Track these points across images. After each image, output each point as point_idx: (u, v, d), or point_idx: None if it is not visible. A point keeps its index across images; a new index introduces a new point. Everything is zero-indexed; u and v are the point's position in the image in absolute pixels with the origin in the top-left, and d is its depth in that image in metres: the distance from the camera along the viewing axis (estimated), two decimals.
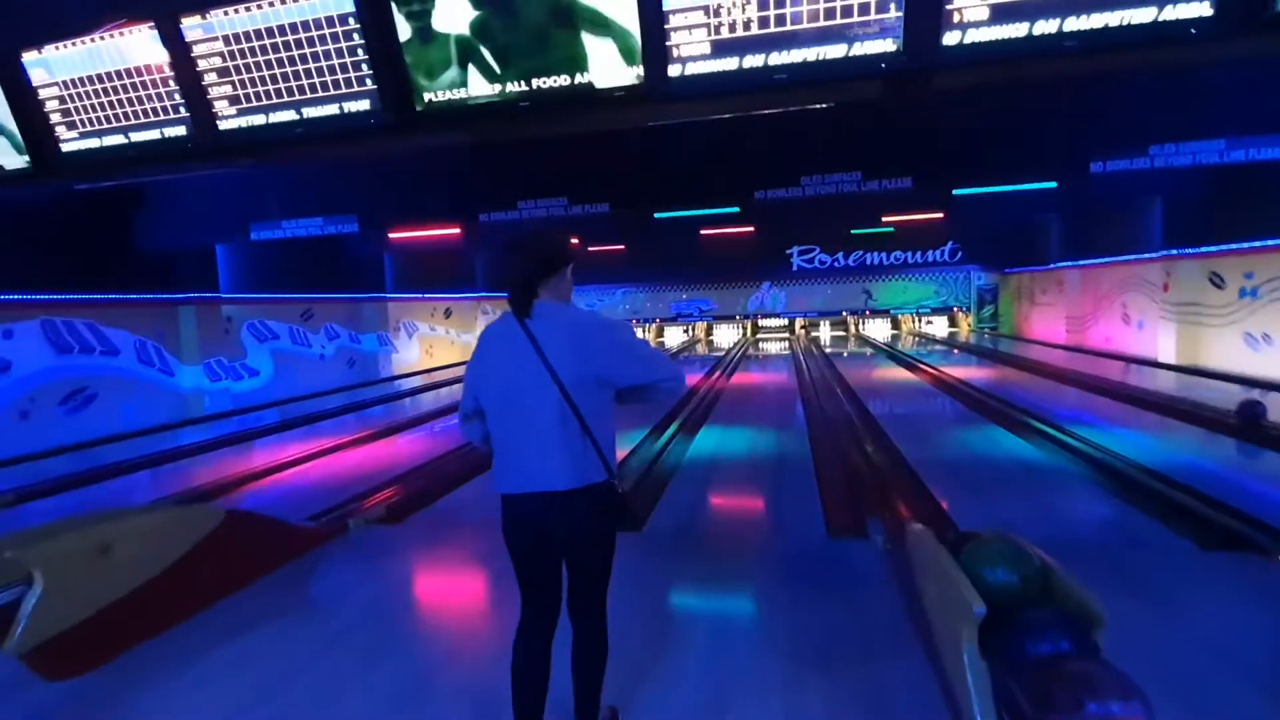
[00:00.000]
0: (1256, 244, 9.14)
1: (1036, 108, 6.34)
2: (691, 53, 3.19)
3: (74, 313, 8.83)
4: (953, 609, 1.84)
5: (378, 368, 14.78)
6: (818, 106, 3.50)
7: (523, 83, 3.39)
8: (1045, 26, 2.87)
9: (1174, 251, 10.98)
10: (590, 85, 3.31)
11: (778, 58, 3.12)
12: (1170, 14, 2.69)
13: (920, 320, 21.06)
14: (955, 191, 7.61)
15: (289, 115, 3.65)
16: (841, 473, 5.53)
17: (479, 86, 3.44)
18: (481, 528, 4.36)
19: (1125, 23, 2.78)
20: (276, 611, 3.13)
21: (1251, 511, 4.09)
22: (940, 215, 13.40)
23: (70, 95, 3.95)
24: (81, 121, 4.00)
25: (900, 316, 21.11)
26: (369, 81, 3.51)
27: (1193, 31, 2.68)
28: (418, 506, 5.05)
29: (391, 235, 10.57)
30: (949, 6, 2.90)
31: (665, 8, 3.21)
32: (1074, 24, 2.85)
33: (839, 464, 5.81)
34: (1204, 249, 10.25)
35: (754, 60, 3.16)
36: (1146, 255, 11.76)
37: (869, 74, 3.06)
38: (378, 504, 4.88)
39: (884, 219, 14.39)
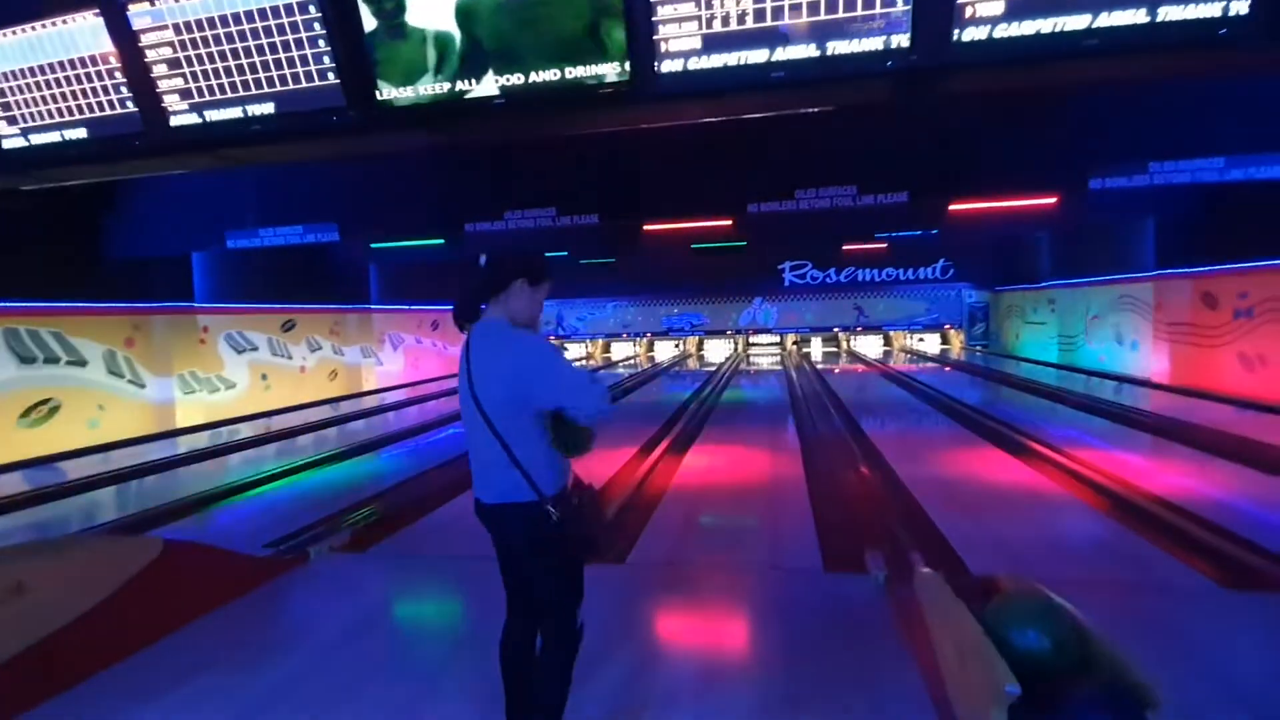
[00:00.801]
0: (1250, 265, 9.05)
1: (1039, 119, 6.19)
2: (681, 48, 2.94)
3: (39, 321, 8.47)
4: (978, 683, 1.58)
5: (361, 380, 14.44)
6: (817, 111, 3.27)
7: (497, 78, 3.15)
8: (1067, 23, 2.66)
9: (1167, 271, 10.91)
10: (571, 82, 3.06)
11: (776, 54, 2.89)
12: (1203, 12, 2.49)
13: (912, 337, 20.98)
14: (951, 208, 7.44)
15: (243, 111, 3.38)
16: (837, 499, 5.28)
17: (448, 83, 3.18)
18: (454, 557, 4.09)
19: (1156, 20, 2.58)
20: (221, 655, 2.82)
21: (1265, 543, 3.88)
22: (934, 231, 13.30)
23: (9, 89, 3.67)
24: (21, 116, 3.72)
25: (892, 333, 21.02)
26: (331, 75, 3.26)
27: (1223, 33, 2.49)
28: (388, 532, 4.75)
29: (374, 245, 10.29)
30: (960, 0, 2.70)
31: None
32: (1100, 20, 2.64)
33: (834, 489, 5.57)
34: (1198, 269, 10.18)
35: (750, 56, 2.91)
36: (1137, 275, 11.70)
37: (875, 73, 2.83)
38: (343, 530, 4.56)
39: (877, 235, 14.28)
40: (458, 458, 7.34)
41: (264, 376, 12.00)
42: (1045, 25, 2.68)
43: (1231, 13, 2.46)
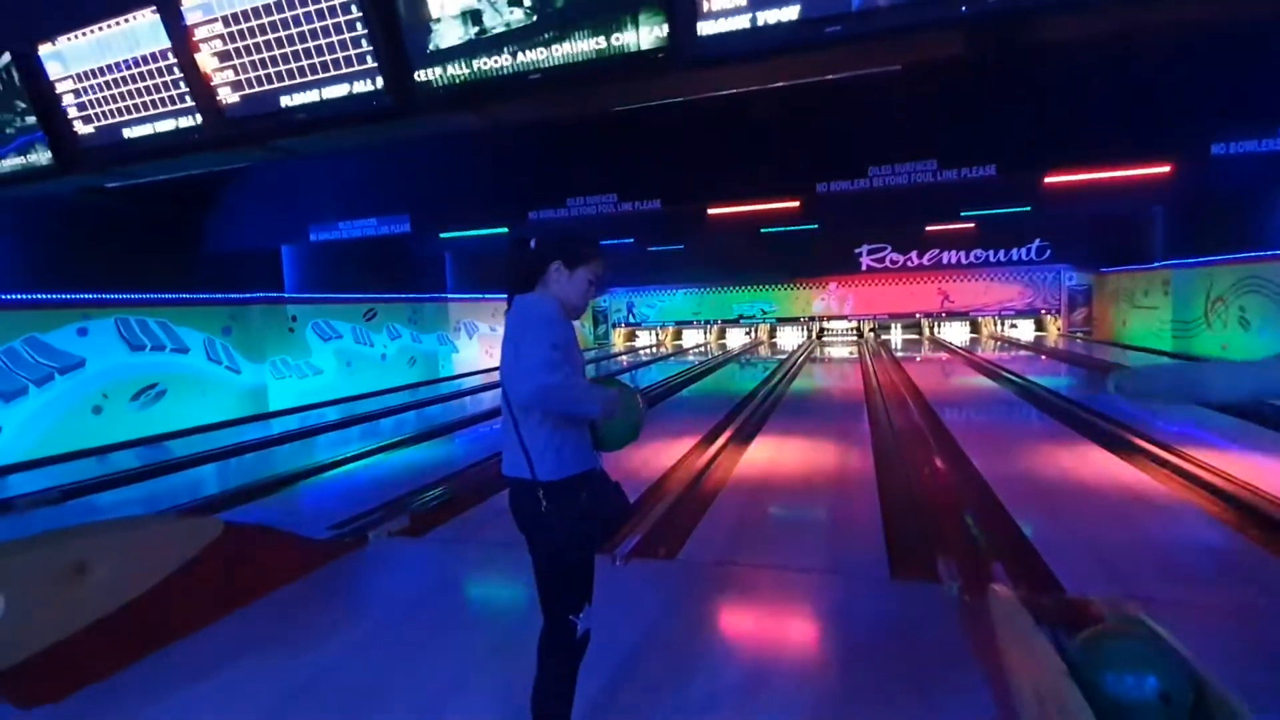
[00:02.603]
0: None
1: (1148, 73, 5.46)
2: (722, 5, 2.71)
3: (147, 311, 9.18)
4: None
5: (438, 367, 14.93)
6: (882, 70, 2.94)
7: (530, 52, 3.02)
8: None
9: None
10: (606, 51, 2.89)
11: (830, 5, 2.58)
12: None
13: (1003, 323, 19.61)
14: (1047, 180, 6.76)
15: (289, 100, 3.43)
16: (909, 500, 4.91)
17: (483, 60, 3.09)
18: (508, 543, 4.07)
19: None
20: (277, 634, 2.90)
21: None
22: (1027, 209, 12.27)
23: (84, 89, 3.91)
24: (96, 115, 3.95)
25: (980, 319, 19.72)
26: (370, 60, 3.24)
27: None
28: (448, 516, 4.80)
29: (443, 235, 10.53)
30: None
31: None
32: None
33: (907, 488, 5.19)
34: None
35: (798, 10, 2.64)
36: (1268, 253, 10.38)
37: (947, 22, 2.48)
38: (403, 514, 4.64)
39: (962, 214, 13.34)
40: None
41: (349, 363, 12.60)
42: None
43: None
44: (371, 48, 3.21)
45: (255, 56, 3.42)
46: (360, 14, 3.12)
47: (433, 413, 10.37)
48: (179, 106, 3.71)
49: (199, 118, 3.68)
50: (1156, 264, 14.14)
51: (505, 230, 8.84)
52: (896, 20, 2.50)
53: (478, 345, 16.33)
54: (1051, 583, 3.33)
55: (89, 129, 4.05)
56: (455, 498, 5.24)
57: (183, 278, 9.69)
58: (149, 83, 3.72)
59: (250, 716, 2.33)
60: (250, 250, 10.27)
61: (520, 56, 3.05)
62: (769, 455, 6.49)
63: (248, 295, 10.68)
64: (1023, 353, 15.49)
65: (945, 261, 18.64)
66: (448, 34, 3.13)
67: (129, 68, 3.73)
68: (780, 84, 3.02)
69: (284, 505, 5.63)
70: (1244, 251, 11.16)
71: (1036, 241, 17.77)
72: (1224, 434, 6.56)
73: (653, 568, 3.59)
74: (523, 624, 2.85)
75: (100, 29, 3.66)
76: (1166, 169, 6.70)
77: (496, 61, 3.10)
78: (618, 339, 22.51)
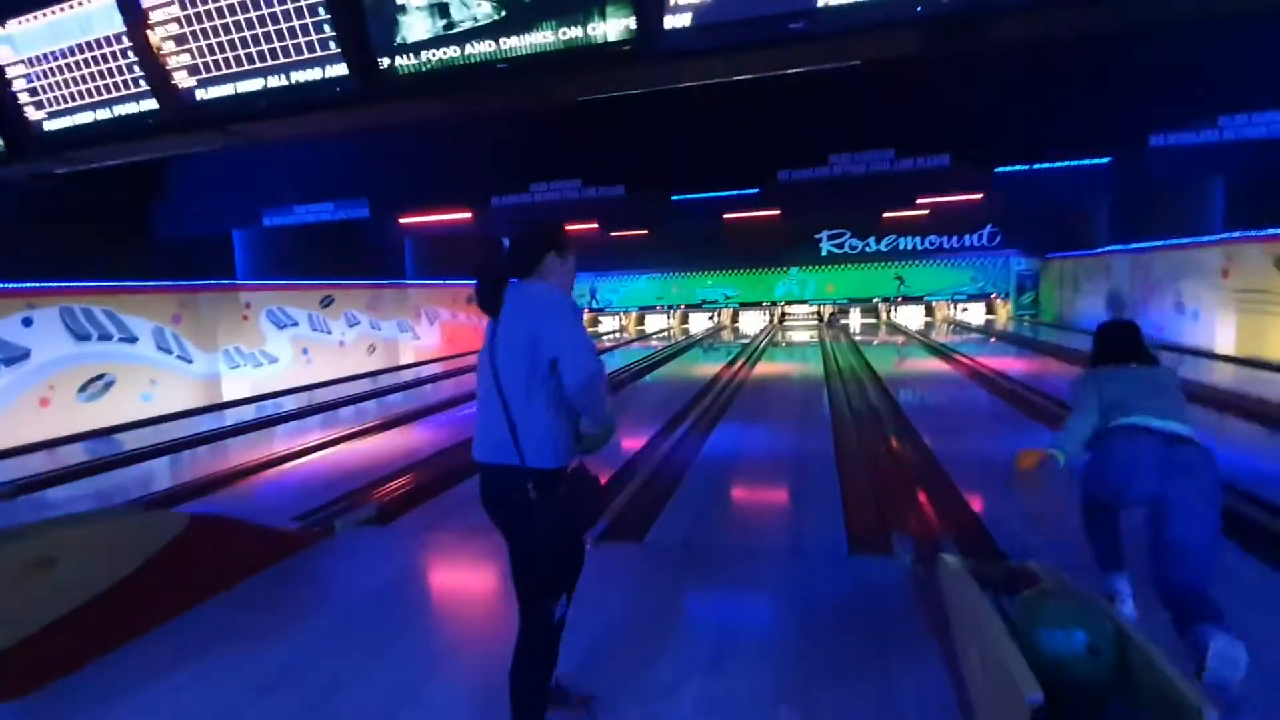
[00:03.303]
0: None
1: (1092, 71, 5.73)
2: (689, 0, 2.76)
3: (93, 299, 8.81)
4: (999, 689, 1.46)
5: (399, 354, 14.70)
6: (848, 68, 3.04)
7: (498, 42, 3.02)
8: None
9: (1235, 234, 10.19)
10: (573, 42, 2.92)
11: (793, 3, 2.66)
12: None
13: (956, 307, 20.26)
14: (998, 170, 7.03)
15: (249, 85, 3.35)
16: (867, 478, 5.11)
17: (450, 49, 3.08)
18: (478, 530, 4.11)
19: None
20: (245, 625, 2.89)
21: None
22: (979, 196, 12.67)
23: (35, 74, 3.73)
24: (48, 100, 3.78)
25: (934, 303, 20.33)
26: (333, 45, 3.19)
27: None
28: (414, 505, 4.80)
29: (404, 220, 10.34)
30: None
31: None
32: None
33: (864, 468, 5.39)
34: (1271, 231, 9.46)
35: (763, 6, 2.72)
36: (1203, 240, 10.96)
37: (903, 21, 2.60)
38: (369, 503, 4.63)
39: (919, 201, 13.68)
40: None
41: (305, 351, 12.31)
42: None
43: None
44: (335, 33, 3.15)
45: (213, 40, 3.31)
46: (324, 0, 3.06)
47: (393, 400, 10.25)
48: (135, 91, 3.57)
49: (155, 102, 3.55)
50: (1098, 250, 14.78)
51: (469, 216, 8.74)
52: (855, 18, 2.61)
53: (439, 332, 16.11)
54: (996, 553, 3.56)
55: (41, 114, 3.86)
56: (421, 486, 5.24)
57: (134, 265, 9.31)
58: (103, 67, 3.57)
59: (218, 709, 2.33)
60: (202, 236, 9.92)
61: (488, 46, 3.04)
62: (733, 439, 6.64)
63: (198, 282, 10.32)
64: (974, 335, 16.05)
65: (902, 247, 19.12)
66: (415, 26, 3.10)
67: (83, 51, 3.57)
68: (744, 77, 3.10)
69: (243, 499, 5.54)
70: (1179, 238, 11.76)
71: (988, 227, 18.35)
72: None
73: (622, 551, 3.68)
74: (491, 610, 2.93)
75: (53, 12, 3.48)
76: (1107, 160, 7.03)
77: (465, 50, 3.09)
78: None
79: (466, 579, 3.58)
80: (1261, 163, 9.10)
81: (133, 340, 9.39)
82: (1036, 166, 7.20)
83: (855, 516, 4.21)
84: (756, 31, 2.71)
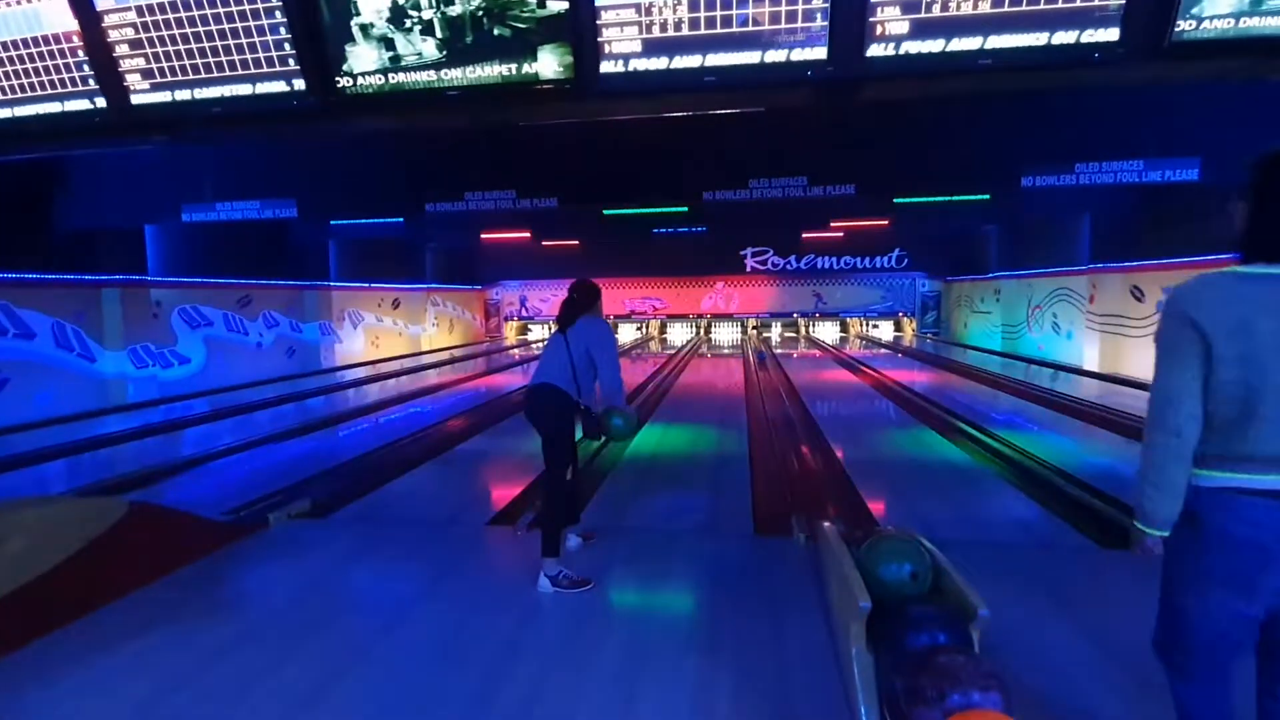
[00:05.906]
0: (1175, 260, 9.70)
1: (969, 122, 6.58)
2: (622, 50, 3.18)
3: None
4: (846, 604, 1.89)
5: (319, 358, 14.35)
6: (753, 110, 3.54)
7: (450, 73, 3.32)
8: (963, 44, 2.97)
9: (1099, 265, 11.58)
10: (518, 78, 3.26)
11: (708, 60, 3.15)
12: (1077, 38, 2.83)
13: (867, 324, 21.65)
14: (896, 200, 7.82)
15: (206, 93, 3.46)
16: (775, 473, 5.65)
17: (404, 74, 3.35)
18: (410, 523, 4.30)
19: (1035, 44, 2.91)
20: (180, 610, 2.99)
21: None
22: (886, 222, 13.76)
23: None
24: None
25: (848, 320, 21.65)
26: (292, 62, 3.37)
27: (1097, 56, 2.82)
28: (346, 501, 4.92)
29: (334, 223, 10.24)
30: (872, 19, 2.98)
31: (597, 3, 3.18)
32: (990, 43, 2.96)
33: (774, 464, 5.93)
34: (1127, 264, 10.85)
35: (685, 61, 3.17)
36: (1073, 269, 12.38)
37: (798, 81, 3.11)
38: (303, 498, 4.72)
39: (833, 224, 14.71)
40: (411, 435, 7.51)
41: (219, 352, 11.88)
42: (945, 45, 2.99)
43: (1100, 39, 2.80)
44: (295, 51, 3.33)
45: (170, 48, 3.40)
46: (284, 19, 3.23)
47: (314, 404, 10.10)
48: (83, 89, 3.58)
49: (103, 101, 3.57)
50: (990, 275, 16.28)
51: (401, 220, 8.80)
52: (758, 77, 3.11)
53: (363, 336, 15.82)
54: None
55: None
56: (351, 490, 5.35)
57: (31, 257, 8.80)
58: (50, 63, 3.55)
59: (144, 692, 2.39)
60: (110, 229, 9.48)
61: (438, 75, 3.35)
62: (657, 439, 7.06)
63: (104, 277, 9.84)
64: (883, 351, 17.25)
65: (820, 266, 20.31)
66: (364, 56, 3.37)
67: (29, 46, 3.54)
68: (671, 114, 3.54)
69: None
70: (1054, 267, 13.20)
71: (896, 250, 19.78)
72: (1033, 420, 7.95)
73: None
74: (417, 600, 3.14)
75: (5, 5, 3.44)
76: (986, 196, 7.98)
77: (416, 77, 3.37)
78: (510, 332, 22.51)
79: (396, 570, 3.76)
80: (1122, 202, 10.49)
81: (29, 337, 8.87)
82: (928, 199, 8.08)
83: (762, 505, 4.70)
84: (678, 80, 3.18)
